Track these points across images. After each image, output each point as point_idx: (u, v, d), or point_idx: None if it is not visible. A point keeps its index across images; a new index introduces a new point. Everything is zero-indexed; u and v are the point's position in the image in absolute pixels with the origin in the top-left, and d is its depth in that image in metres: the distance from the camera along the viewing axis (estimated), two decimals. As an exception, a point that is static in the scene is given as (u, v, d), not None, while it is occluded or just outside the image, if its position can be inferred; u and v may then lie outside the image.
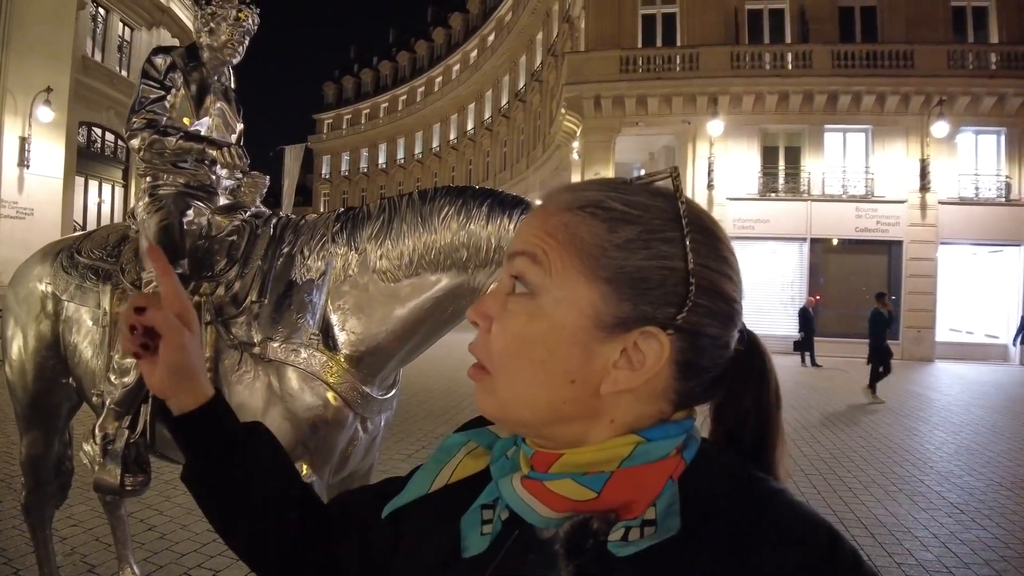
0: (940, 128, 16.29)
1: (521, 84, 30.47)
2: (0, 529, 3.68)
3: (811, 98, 17.14)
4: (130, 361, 2.20)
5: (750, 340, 0.60)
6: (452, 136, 40.10)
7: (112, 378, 2.24)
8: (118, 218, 16.40)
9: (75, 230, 11.86)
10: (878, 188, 17.39)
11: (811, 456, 6.34)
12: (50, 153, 13.03)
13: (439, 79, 42.64)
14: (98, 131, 16.81)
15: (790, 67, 17.43)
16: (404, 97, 46.37)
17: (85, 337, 2.42)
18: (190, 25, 13.03)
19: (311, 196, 51.22)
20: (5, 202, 12.28)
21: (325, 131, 52.96)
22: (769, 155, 17.94)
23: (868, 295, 15.96)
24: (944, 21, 17.53)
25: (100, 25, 16.47)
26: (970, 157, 17.43)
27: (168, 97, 2.49)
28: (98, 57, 16.29)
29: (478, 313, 0.58)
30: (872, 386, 9.77)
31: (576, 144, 19.45)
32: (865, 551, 3.76)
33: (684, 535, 0.50)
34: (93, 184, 16.89)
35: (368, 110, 49.74)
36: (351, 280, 2.08)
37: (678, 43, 18.36)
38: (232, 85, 2.74)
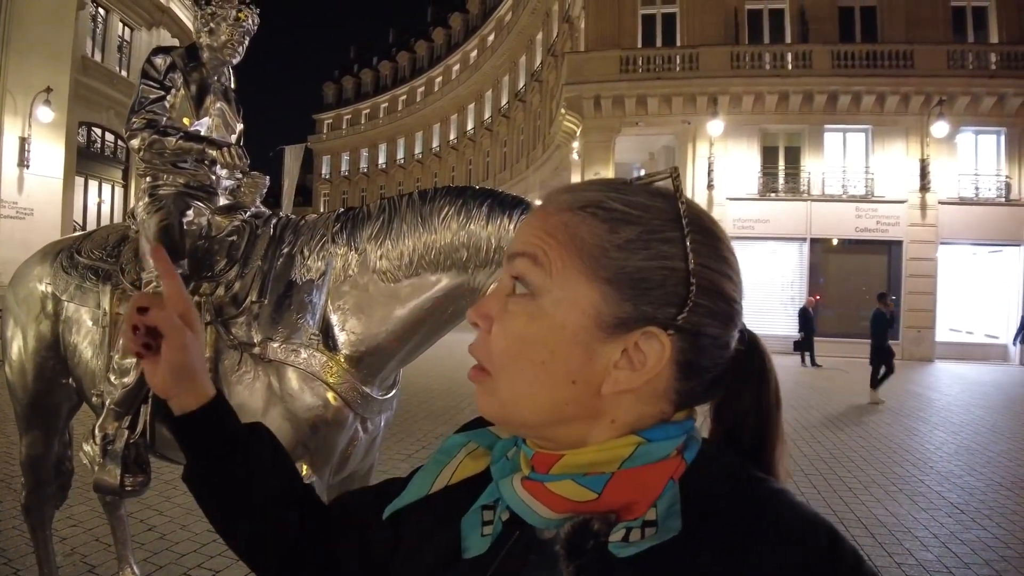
0: (940, 128, 16.29)
1: (521, 84, 30.47)
2: (0, 529, 3.68)
3: (811, 98, 17.14)
4: (130, 361, 2.20)
5: (750, 340, 0.60)
6: (452, 136, 40.10)
7: (112, 378, 2.24)
8: (118, 218, 16.40)
9: (75, 230, 11.85)
10: (878, 188, 17.40)
11: (811, 456, 6.34)
12: (50, 153, 13.03)
13: (439, 79, 42.64)
14: (98, 131, 16.82)
15: (790, 67, 17.43)
16: (404, 97, 46.38)
17: (85, 337, 2.41)
18: (190, 25, 13.04)
19: (311, 196, 51.22)
20: (5, 202, 12.28)
21: (325, 131, 52.96)
22: (769, 155, 17.94)
23: (868, 295, 15.98)
24: (944, 21, 17.53)
25: (100, 25, 16.47)
26: (970, 157, 17.43)
27: (168, 97, 2.49)
28: (98, 57, 16.29)
29: (479, 314, 0.58)
30: (876, 386, 9.74)
31: (576, 144, 19.45)
32: (865, 551, 3.75)
33: (684, 536, 0.50)
34: (93, 184, 16.89)
35: (368, 110, 49.74)
36: (351, 280, 2.08)
37: (678, 43, 18.36)
38: (232, 85, 2.74)
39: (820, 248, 17.72)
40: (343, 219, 2.16)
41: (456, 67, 40.69)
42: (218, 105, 2.63)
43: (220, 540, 0.80)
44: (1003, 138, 17.24)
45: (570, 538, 0.53)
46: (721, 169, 17.37)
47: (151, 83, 2.47)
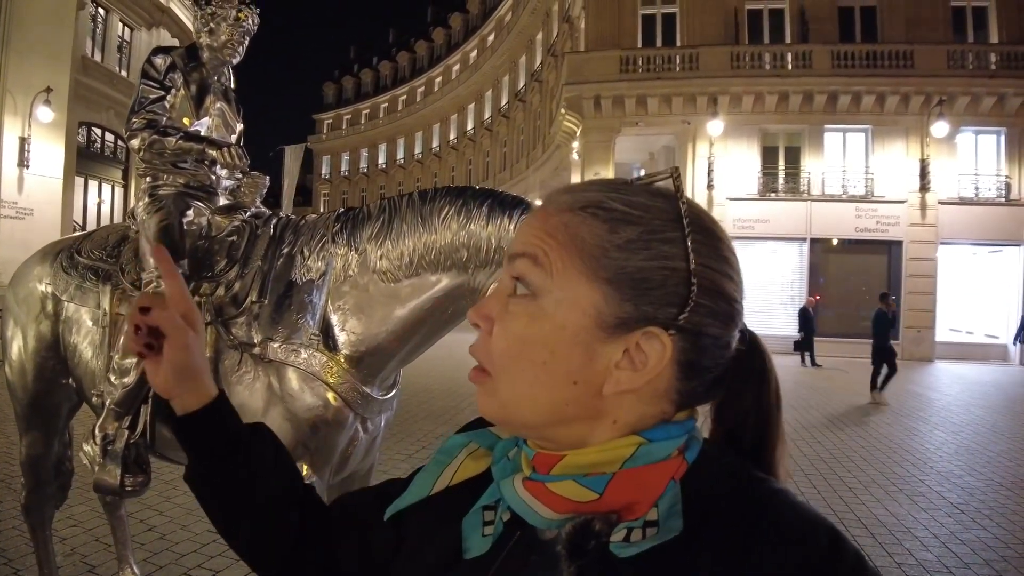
0: (940, 128, 16.29)
1: (521, 84, 30.47)
2: (0, 529, 3.68)
3: (811, 98, 17.14)
4: (130, 361, 2.20)
5: (751, 340, 0.60)
6: (452, 136, 40.10)
7: (112, 378, 2.24)
8: (118, 218, 16.40)
9: (75, 230, 11.86)
10: (878, 188, 17.40)
11: (811, 456, 6.34)
12: (50, 153, 13.03)
13: (439, 79, 42.64)
14: (98, 131, 16.82)
15: (790, 67, 17.43)
16: (404, 97, 46.38)
17: (85, 337, 2.41)
18: (190, 25, 13.03)
19: (311, 196, 51.23)
20: (5, 202, 12.28)
21: (325, 131, 52.96)
22: (769, 155, 17.94)
23: (868, 295, 15.99)
24: (944, 21, 17.53)
25: (100, 25, 16.47)
26: (970, 157, 17.43)
27: (168, 97, 2.49)
28: (98, 57, 16.29)
29: (479, 315, 0.58)
30: (878, 386, 9.71)
31: (576, 144, 19.45)
32: (865, 551, 3.74)
33: (686, 536, 0.50)
34: (93, 184, 16.89)
35: (368, 110, 49.74)
36: (351, 280, 2.08)
37: (678, 43, 18.36)
38: (232, 85, 2.74)
39: (820, 248, 17.72)
40: (343, 219, 2.16)
41: (456, 67, 40.69)
42: (218, 105, 2.63)
43: (220, 540, 0.80)
44: (1003, 138, 17.24)
45: (571, 538, 0.53)
46: (721, 169, 17.37)
47: (151, 83, 2.47)
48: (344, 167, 51.02)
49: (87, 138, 16.42)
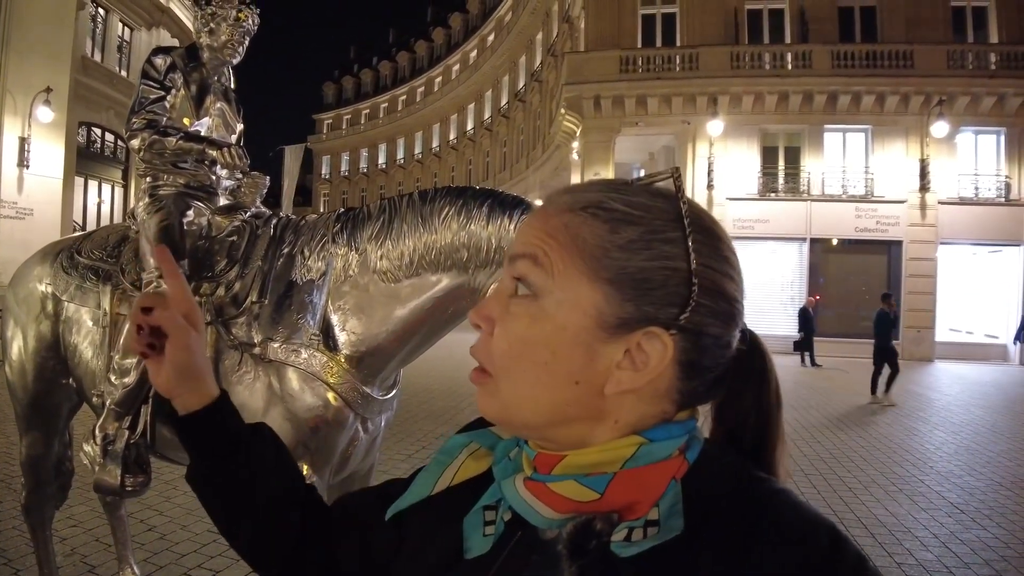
0: (940, 128, 16.29)
1: (521, 84, 30.47)
2: (0, 529, 3.68)
3: (811, 98, 17.14)
4: (130, 361, 2.20)
5: (751, 340, 0.60)
6: (452, 136, 40.10)
7: (112, 379, 2.24)
8: (118, 218, 16.41)
9: (75, 230, 11.86)
10: (878, 188, 17.40)
11: (811, 456, 6.34)
12: (50, 153, 13.03)
13: (439, 79, 42.64)
14: (98, 131, 16.82)
15: (790, 67, 17.43)
16: (404, 97, 46.37)
17: (85, 338, 2.42)
18: (190, 25, 13.02)
19: (311, 196, 51.23)
20: (5, 202, 12.28)
21: (325, 131, 52.96)
22: (769, 155, 17.94)
23: (868, 295, 16.01)
24: (944, 21, 17.54)
25: (100, 25, 16.47)
26: (970, 157, 17.43)
27: (168, 97, 2.49)
28: (98, 57, 16.30)
29: (480, 316, 0.58)
30: (881, 387, 9.66)
31: (576, 144, 19.45)
32: (865, 551, 3.75)
33: (686, 535, 0.50)
34: (93, 184, 16.90)
35: (368, 110, 49.74)
36: (351, 280, 2.08)
37: (678, 43, 18.36)
38: (232, 85, 2.74)
39: (820, 248, 17.72)
40: (343, 219, 2.16)
41: (456, 67, 40.69)
42: (218, 105, 2.63)
43: (220, 540, 0.80)
44: (1003, 138, 17.25)
45: (572, 538, 0.53)
46: (721, 169, 17.38)
47: (151, 83, 2.47)
48: (344, 167, 51.02)
49: (87, 138, 16.42)
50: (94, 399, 2.35)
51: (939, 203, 16.98)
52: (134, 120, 2.46)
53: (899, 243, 17.23)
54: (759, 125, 17.67)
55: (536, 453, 0.57)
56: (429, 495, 0.64)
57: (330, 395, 2.02)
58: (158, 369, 0.69)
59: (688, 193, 0.59)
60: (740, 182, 17.53)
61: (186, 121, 2.54)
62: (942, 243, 17.11)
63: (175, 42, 15.37)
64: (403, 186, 43.22)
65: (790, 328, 15.66)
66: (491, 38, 35.60)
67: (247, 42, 2.61)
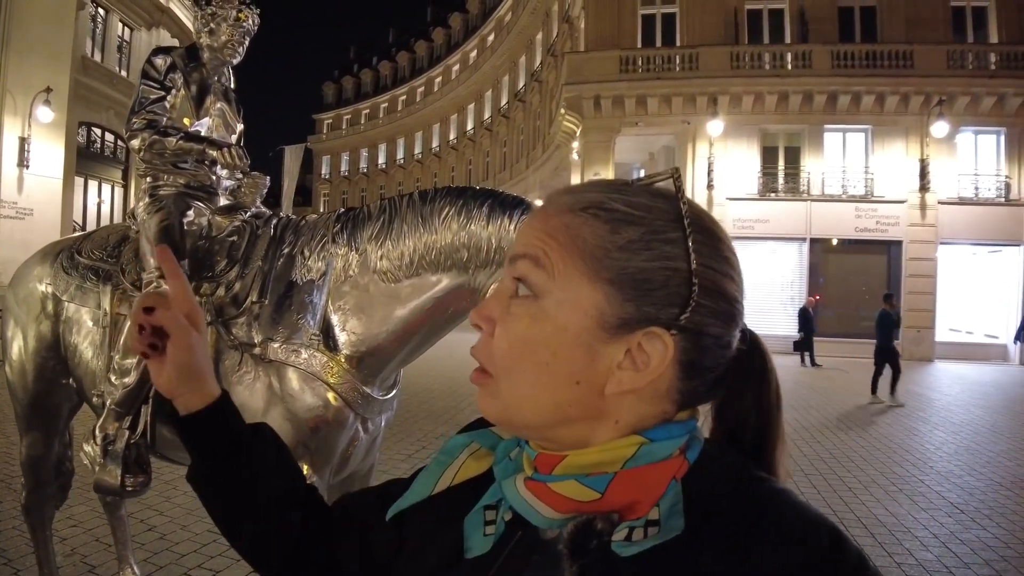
0: (940, 128, 16.29)
1: (521, 84, 30.47)
2: (0, 529, 3.68)
3: (811, 98, 17.14)
4: (131, 362, 2.20)
5: (751, 340, 0.60)
6: (452, 136, 40.09)
7: (113, 379, 2.24)
8: (118, 218, 16.41)
9: (75, 230, 11.86)
10: (878, 188, 17.40)
11: (811, 456, 6.34)
12: (50, 153, 13.04)
13: (439, 79, 42.64)
14: (98, 131, 16.82)
15: (790, 67, 17.43)
16: (404, 97, 46.37)
17: (85, 338, 2.42)
18: (190, 25, 13.04)
19: (311, 196, 51.22)
20: (5, 202, 12.28)
21: (325, 131, 52.96)
22: (769, 155, 17.94)
23: (868, 295, 16.02)
24: (944, 21, 17.54)
25: (100, 25, 16.47)
26: (970, 157, 17.44)
27: (168, 97, 2.49)
28: (98, 57, 16.30)
29: (481, 316, 0.58)
30: (886, 389, 9.65)
31: (576, 144, 19.45)
32: (865, 551, 3.76)
33: (687, 535, 0.50)
34: (93, 184, 16.90)
35: (368, 110, 49.73)
36: (351, 280, 2.08)
37: (678, 43, 18.36)
38: (232, 85, 2.74)
39: (820, 248, 17.73)
40: (343, 219, 2.17)
41: (456, 67, 40.69)
42: (218, 105, 2.63)
43: (220, 540, 0.81)
44: (1003, 138, 17.25)
45: (573, 538, 0.53)
46: (721, 169, 17.38)
47: (151, 83, 2.47)
48: (344, 167, 51.01)
49: (87, 138, 16.42)
50: (94, 399, 2.35)
51: (939, 203, 16.98)
52: (134, 120, 2.46)
53: (899, 243, 17.23)
54: (759, 125, 17.67)
55: (537, 453, 0.57)
56: (430, 495, 0.64)
57: (330, 395, 2.02)
58: (160, 369, 0.69)
59: (688, 193, 0.59)
60: (740, 182, 17.53)
61: (186, 121, 2.54)
62: (942, 243, 17.11)
63: (175, 42, 15.38)
64: (403, 186, 43.21)
65: (790, 328, 15.66)
66: (491, 38, 35.59)
67: (247, 42, 2.61)
